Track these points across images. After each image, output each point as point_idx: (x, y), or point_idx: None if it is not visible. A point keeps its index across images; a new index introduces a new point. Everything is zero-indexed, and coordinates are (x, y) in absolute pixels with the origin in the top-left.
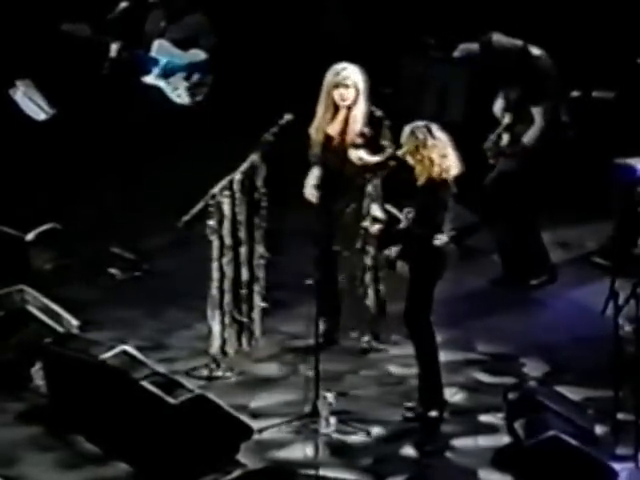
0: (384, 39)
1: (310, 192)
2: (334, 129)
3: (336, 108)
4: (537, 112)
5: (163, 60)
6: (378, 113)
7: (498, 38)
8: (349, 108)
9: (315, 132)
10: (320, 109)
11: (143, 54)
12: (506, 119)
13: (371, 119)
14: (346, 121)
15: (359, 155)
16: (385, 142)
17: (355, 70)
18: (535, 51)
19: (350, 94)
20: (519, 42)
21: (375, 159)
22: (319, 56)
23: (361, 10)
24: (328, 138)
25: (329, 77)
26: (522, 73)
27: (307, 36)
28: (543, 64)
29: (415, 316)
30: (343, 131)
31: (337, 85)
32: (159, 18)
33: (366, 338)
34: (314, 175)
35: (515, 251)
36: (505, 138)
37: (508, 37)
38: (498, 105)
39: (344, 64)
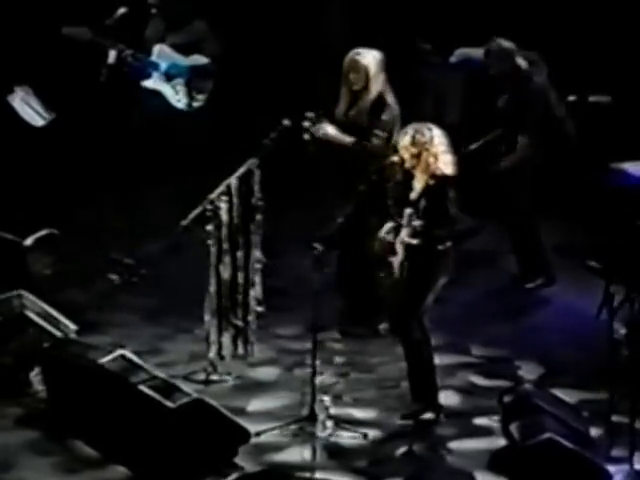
0: (382, 46)
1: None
2: (346, 114)
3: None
4: (520, 141)
5: (165, 63)
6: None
7: (500, 50)
8: (360, 93)
9: (336, 116)
10: (341, 93)
11: (144, 58)
12: (498, 130)
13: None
14: (357, 107)
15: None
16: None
17: (368, 55)
18: (537, 79)
19: (359, 79)
20: (519, 61)
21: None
22: (317, 62)
23: (359, 17)
24: (340, 123)
25: (344, 61)
26: (514, 92)
27: (305, 42)
28: (534, 87)
29: (411, 318)
30: (352, 115)
31: (348, 70)
32: (160, 24)
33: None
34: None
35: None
36: (502, 147)
37: (512, 52)
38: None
39: (359, 49)
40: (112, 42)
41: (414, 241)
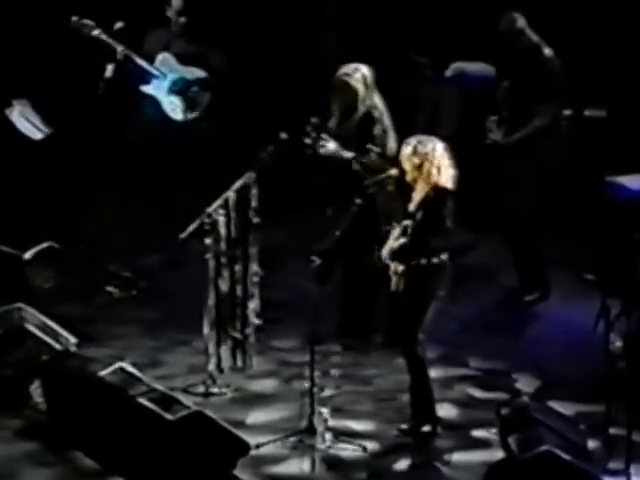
0: (378, 60)
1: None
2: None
3: None
4: (539, 112)
5: (171, 75)
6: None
7: (512, 23)
8: (350, 110)
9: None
10: (332, 110)
11: (145, 64)
12: (505, 112)
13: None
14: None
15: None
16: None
17: (357, 75)
18: (547, 52)
19: (349, 100)
20: (535, 39)
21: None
22: (314, 75)
23: (356, 29)
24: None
25: (334, 81)
26: (529, 70)
27: (302, 57)
28: (551, 66)
29: (413, 333)
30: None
31: (338, 91)
32: (164, 34)
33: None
34: None
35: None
36: (502, 129)
37: (524, 26)
38: (501, 93)
39: (347, 68)
40: (117, 41)
41: (396, 244)
